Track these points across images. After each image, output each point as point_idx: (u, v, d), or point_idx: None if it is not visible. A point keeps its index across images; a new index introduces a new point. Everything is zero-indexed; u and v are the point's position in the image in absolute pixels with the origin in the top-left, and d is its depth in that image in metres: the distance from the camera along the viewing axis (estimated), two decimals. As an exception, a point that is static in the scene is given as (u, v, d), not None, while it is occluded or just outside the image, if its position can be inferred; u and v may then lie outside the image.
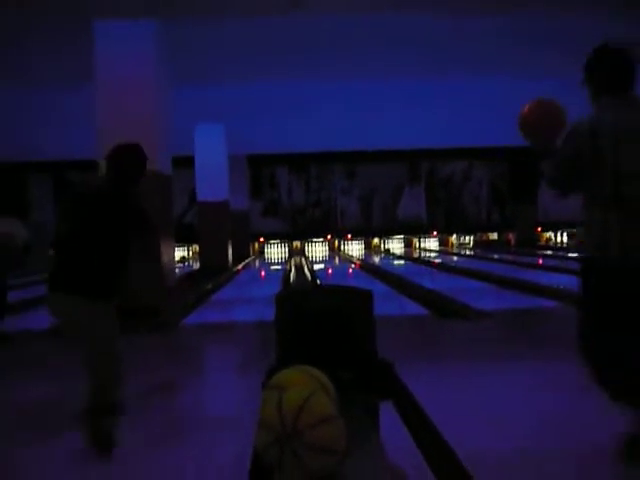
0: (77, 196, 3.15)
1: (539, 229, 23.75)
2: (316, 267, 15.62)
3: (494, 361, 4.58)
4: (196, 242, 17.74)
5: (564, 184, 2.64)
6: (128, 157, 3.18)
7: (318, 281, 10.71)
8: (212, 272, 13.30)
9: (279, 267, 16.67)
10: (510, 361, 4.53)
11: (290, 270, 14.33)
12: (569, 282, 9.40)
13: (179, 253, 22.43)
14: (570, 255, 16.91)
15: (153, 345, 5.63)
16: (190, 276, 9.64)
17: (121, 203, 3.03)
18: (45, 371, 4.75)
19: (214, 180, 14.95)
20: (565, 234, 24.55)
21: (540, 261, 15.88)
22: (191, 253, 22.68)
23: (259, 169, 23.03)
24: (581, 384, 2.68)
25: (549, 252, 19.06)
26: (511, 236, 23.81)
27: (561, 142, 2.61)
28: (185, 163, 15.39)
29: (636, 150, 2.41)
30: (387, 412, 2.08)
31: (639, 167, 2.40)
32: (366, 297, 2.22)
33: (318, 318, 2.13)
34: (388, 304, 7.59)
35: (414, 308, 7.64)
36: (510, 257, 17.23)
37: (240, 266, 16.08)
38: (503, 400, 3.56)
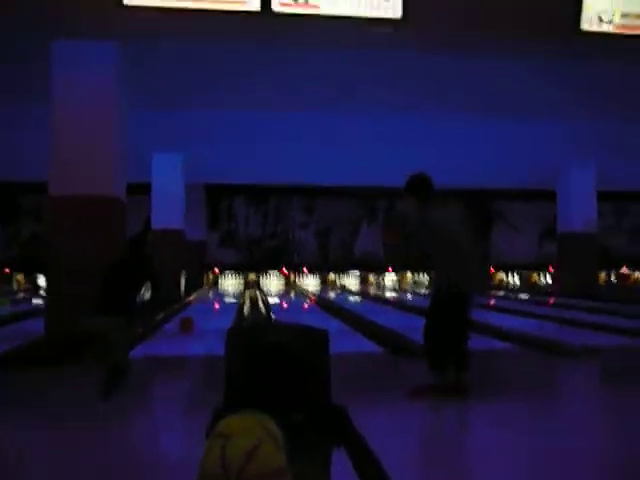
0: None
1: (492, 270, 24.15)
2: (271, 300, 15.42)
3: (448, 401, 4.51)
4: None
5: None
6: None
7: (272, 316, 10.53)
8: (163, 302, 12.95)
9: (233, 299, 16.40)
10: (465, 402, 4.47)
11: (244, 303, 14.10)
12: (522, 324, 9.56)
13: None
14: (522, 297, 17.20)
15: (94, 377, 5.37)
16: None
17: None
18: None
19: (170, 208, 14.72)
20: (517, 275, 25.03)
21: (492, 302, 16.07)
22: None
23: (217, 199, 22.85)
24: (538, 424, 2.65)
25: (501, 293, 19.35)
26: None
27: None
28: (141, 190, 15.16)
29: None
30: (340, 459, 1.97)
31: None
32: (322, 337, 2.13)
33: (270, 356, 2.03)
34: (343, 341, 7.49)
35: (369, 345, 7.55)
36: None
37: (193, 297, 15.75)
38: (458, 442, 3.49)
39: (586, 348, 6.74)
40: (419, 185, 4.52)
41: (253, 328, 2.17)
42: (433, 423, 3.99)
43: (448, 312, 4.37)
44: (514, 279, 25.10)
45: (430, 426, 3.93)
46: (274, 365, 2.02)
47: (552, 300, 15.58)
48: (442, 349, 4.41)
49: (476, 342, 7.93)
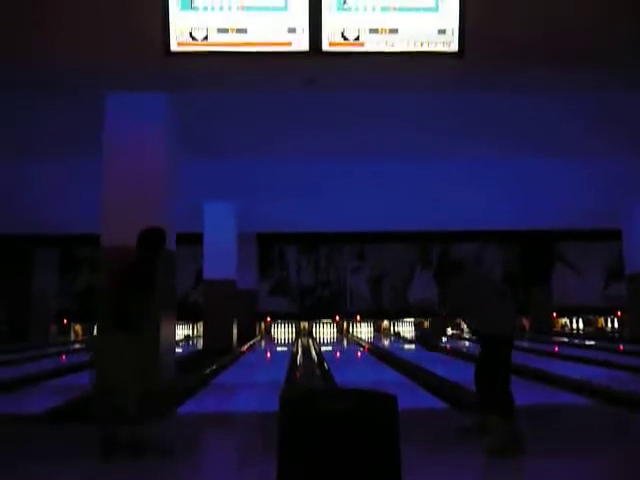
0: None
1: (554, 314, 23.14)
2: (324, 349, 15.06)
3: (529, 462, 4.07)
4: (200, 321, 17.30)
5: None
6: (143, 240, 4.48)
7: (327, 371, 10.12)
8: (215, 353, 12.79)
9: (286, 348, 16.11)
10: (546, 461, 4.01)
11: (297, 352, 13.79)
12: (590, 373, 8.90)
13: (183, 332, 21.96)
14: (587, 343, 16.29)
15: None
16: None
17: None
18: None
19: (222, 258, 14.69)
20: (581, 320, 23.91)
21: (556, 349, 15.26)
22: (195, 332, 22.18)
23: (268, 247, 22.85)
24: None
25: (565, 339, 18.41)
26: (525, 322, 23.19)
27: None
28: (193, 241, 15.25)
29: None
30: None
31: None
32: (389, 403, 1.83)
33: (328, 429, 1.73)
34: (400, 394, 7.07)
35: (428, 400, 7.11)
36: (525, 344, 16.61)
37: (245, 347, 15.55)
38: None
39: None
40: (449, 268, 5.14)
41: (309, 395, 1.87)
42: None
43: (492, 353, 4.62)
44: (578, 324, 23.98)
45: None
46: (332, 440, 1.72)
47: (622, 347, 14.67)
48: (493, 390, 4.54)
49: (541, 394, 7.45)
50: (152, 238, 4.55)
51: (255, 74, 5.78)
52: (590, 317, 23.59)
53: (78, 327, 22.83)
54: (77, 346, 18.26)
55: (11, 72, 6.18)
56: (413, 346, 17.27)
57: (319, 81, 5.74)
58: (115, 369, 3.98)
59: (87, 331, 22.04)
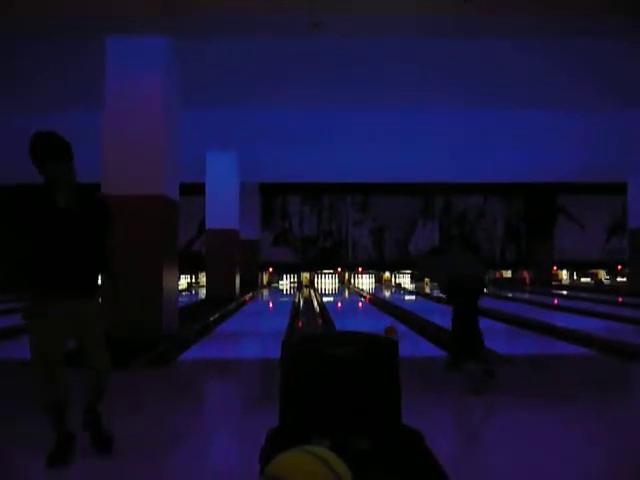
0: None
1: (555, 268, 23.22)
2: (325, 300, 15.19)
3: (528, 414, 4.14)
4: (203, 271, 17.39)
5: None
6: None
7: (329, 320, 10.23)
8: (218, 302, 12.91)
9: (288, 298, 16.25)
10: (545, 411, 4.08)
11: (299, 302, 13.92)
12: (588, 325, 8.99)
13: (186, 281, 22.12)
14: (586, 296, 16.41)
15: (145, 383, 5.22)
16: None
17: None
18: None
19: (224, 208, 14.66)
20: (581, 274, 24.04)
21: (556, 301, 15.37)
22: (198, 282, 22.34)
23: (271, 198, 22.78)
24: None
25: (565, 292, 18.53)
26: (526, 274, 23.30)
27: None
28: (196, 190, 15.18)
29: None
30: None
31: None
32: (390, 347, 1.83)
33: (330, 371, 1.74)
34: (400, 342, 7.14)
35: (428, 348, 7.19)
36: (525, 296, 16.73)
37: (247, 297, 15.69)
38: (550, 458, 3.13)
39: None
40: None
41: (310, 339, 1.88)
42: (516, 444, 3.63)
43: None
44: (578, 277, 24.10)
45: (513, 447, 3.57)
46: (334, 382, 1.73)
47: (620, 299, 14.76)
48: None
49: (541, 344, 7.54)
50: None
51: (257, 17, 5.63)
52: (591, 270, 23.70)
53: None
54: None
55: (9, 19, 6.02)
56: (413, 297, 17.41)
57: (323, 25, 5.60)
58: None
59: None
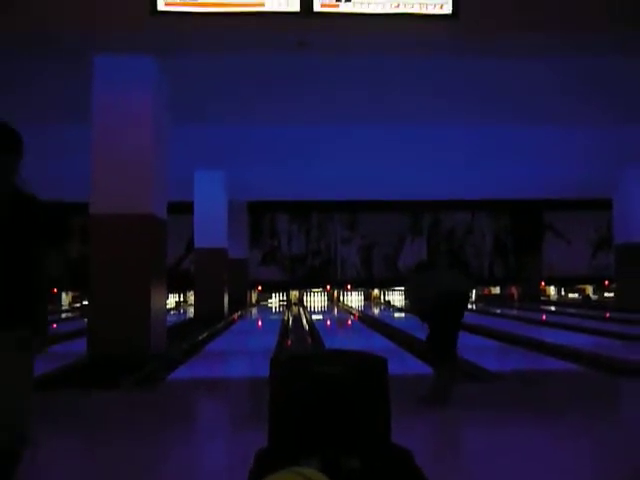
0: None
1: (543, 284, 23.34)
2: (314, 318, 15.15)
3: (517, 429, 4.13)
4: (191, 290, 17.30)
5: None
6: None
7: (318, 338, 10.20)
8: (207, 321, 12.84)
9: (277, 317, 16.18)
10: (536, 428, 4.07)
11: (288, 321, 13.87)
12: (576, 340, 9.03)
13: (174, 300, 21.99)
14: (574, 311, 16.48)
15: (132, 404, 5.16)
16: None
17: None
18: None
19: (212, 227, 14.63)
20: (569, 289, 24.16)
21: (544, 317, 15.43)
22: (187, 301, 22.22)
23: (259, 216, 22.77)
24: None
25: (553, 308, 18.62)
26: (514, 290, 23.39)
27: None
28: (184, 209, 15.15)
29: None
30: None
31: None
32: (380, 365, 1.83)
33: (320, 390, 1.73)
34: (389, 360, 7.12)
35: (417, 366, 7.17)
36: (514, 312, 16.78)
37: (236, 315, 15.61)
38: (540, 473, 3.12)
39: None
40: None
41: (299, 357, 1.87)
42: (503, 463, 3.62)
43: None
44: (566, 293, 24.22)
45: (501, 466, 3.56)
46: (323, 401, 1.72)
47: (608, 314, 14.85)
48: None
49: (529, 361, 7.55)
50: None
51: (245, 35, 5.67)
52: (578, 286, 23.84)
53: (68, 295, 22.79)
54: (69, 315, 18.25)
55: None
56: (403, 314, 17.41)
57: (310, 43, 5.65)
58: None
59: (77, 298, 22.03)
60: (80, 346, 7.63)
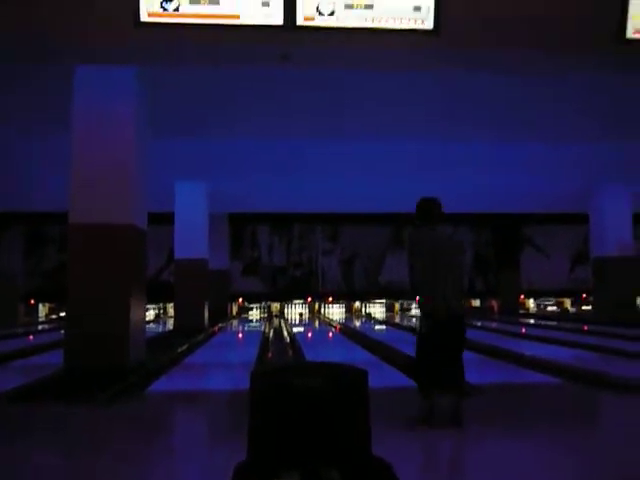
0: None
1: (522, 297, 23.54)
2: (295, 330, 15.10)
3: (497, 442, 4.14)
4: (171, 301, 17.16)
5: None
6: None
7: (299, 350, 10.16)
8: (187, 333, 12.73)
9: (258, 329, 16.11)
10: (513, 440, 4.09)
11: (269, 333, 13.81)
12: (555, 353, 9.10)
13: (153, 311, 21.80)
14: (553, 324, 16.64)
15: (110, 417, 5.09)
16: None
17: None
18: None
19: (193, 238, 14.56)
20: (548, 303, 24.39)
21: (524, 330, 15.55)
22: (167, 312, 22.03)
23: (240, 228, 22.71)
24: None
25: (532, 321, 18.77)
26: (494, 303, 23.56)
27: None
28: (165, 220, 15.06)
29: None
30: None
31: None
32: (359, 378, 1.83)
33: (299, 403, 1.73)
34: (370, 373, 7.12)
35: (398, 378, 7.18)
36: (494, 325, 16.88)
37: (217, 327, 15.50)
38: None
39: (631, 381, 6.29)
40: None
41: (279, 370, 1.86)
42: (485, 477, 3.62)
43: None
44: (545, 306, 24.44)
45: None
46: (303, 414, 1.72)
47: (586, 327, 15.01)
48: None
49: (508, 374, 7.59)
50: None
51: (227, 48, 5.67)
52: (556, 299, 24.09)
53: (45, 307, 22.46)
54: (46, 326, 17.98)
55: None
56: (383, 326, 17.43)
57: (293, 57, 5.68)
58: None
59: (54, 310, 21.72)
60: (57, 358, 7.53)
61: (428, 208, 4.81)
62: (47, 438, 4.35)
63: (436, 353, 4.42)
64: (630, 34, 5.29)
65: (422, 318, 4.57)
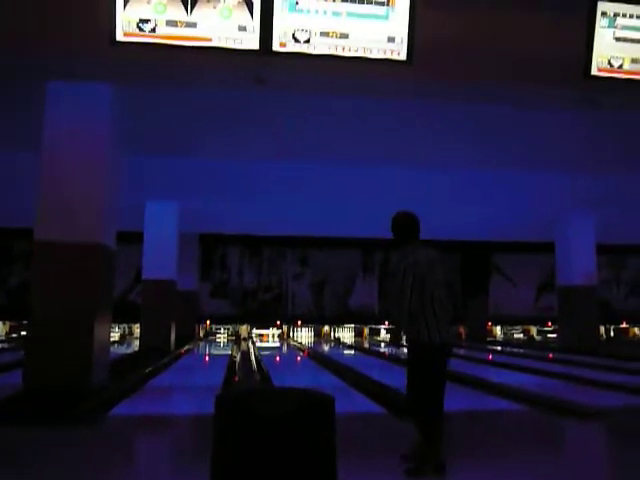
0: None
1: (490, 324, 23.77)
2: (263, 353, 14.96)
3: (464, 469, 4.13)
4: (137, 322, 16.89)
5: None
6: None
7: (266, 374, 10.06)
8: (152, 355, 12.51)
9: (225, 352, 15.91)
10: (479, 467, 4.09)
11: (236, 356, 13.65)
12: (521, 380, 9.18)
13: (119, 332, 21.40)
14: (521, 351, 16.80)
15: (70, 441, 4.95)
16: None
17: None
18: None
19: (162, 258, 14.39)
20: (515, 330, 24.67)
21: (490, 357, 15.66)
22: (132, 333, 21.64)
23: (211, 249, 22.55)
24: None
25: (499, 348, 18.92)
26: (461, 330, 23.72)
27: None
28: (133, 239, 14.88)
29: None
30: None
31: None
32: (325, 404, 1.82)
33: (264, 429, 1.71)
34: (338, 399, 7.08)
35: (366, 404, 7.15)
36: (461, 352, 16.97)
37: (183, 349, 15.27)
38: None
39: (595, 408, 6.38)
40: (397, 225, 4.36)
41: (243, 395, 1.84)
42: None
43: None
44: (511, 333, 24.70)
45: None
46: (267, 440, 1.69)
47: (551, 355, 15.19)
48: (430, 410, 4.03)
49: (475, 400, 7.62)
50: None
51: (202, 70, 5.70)
52: (522, 326, 24.39)
53: (5, 325, 21.83)
54: (6, 345, 17.48)
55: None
56: (352, 351, 17.38)
57: (268, 81, 5.72)
58: None
59: (16, 328, 21.13)
60: (17, 378, 7.32)
61: (409, 224, 4.29)
62: (0, 461, 4.20)
63: (425, 382, 4.04)
64: (595, 71, 5.47)
65: (409, 346, 4.15)
